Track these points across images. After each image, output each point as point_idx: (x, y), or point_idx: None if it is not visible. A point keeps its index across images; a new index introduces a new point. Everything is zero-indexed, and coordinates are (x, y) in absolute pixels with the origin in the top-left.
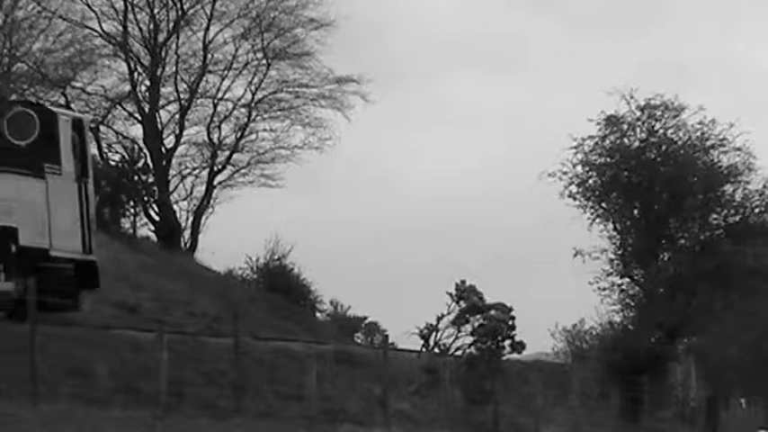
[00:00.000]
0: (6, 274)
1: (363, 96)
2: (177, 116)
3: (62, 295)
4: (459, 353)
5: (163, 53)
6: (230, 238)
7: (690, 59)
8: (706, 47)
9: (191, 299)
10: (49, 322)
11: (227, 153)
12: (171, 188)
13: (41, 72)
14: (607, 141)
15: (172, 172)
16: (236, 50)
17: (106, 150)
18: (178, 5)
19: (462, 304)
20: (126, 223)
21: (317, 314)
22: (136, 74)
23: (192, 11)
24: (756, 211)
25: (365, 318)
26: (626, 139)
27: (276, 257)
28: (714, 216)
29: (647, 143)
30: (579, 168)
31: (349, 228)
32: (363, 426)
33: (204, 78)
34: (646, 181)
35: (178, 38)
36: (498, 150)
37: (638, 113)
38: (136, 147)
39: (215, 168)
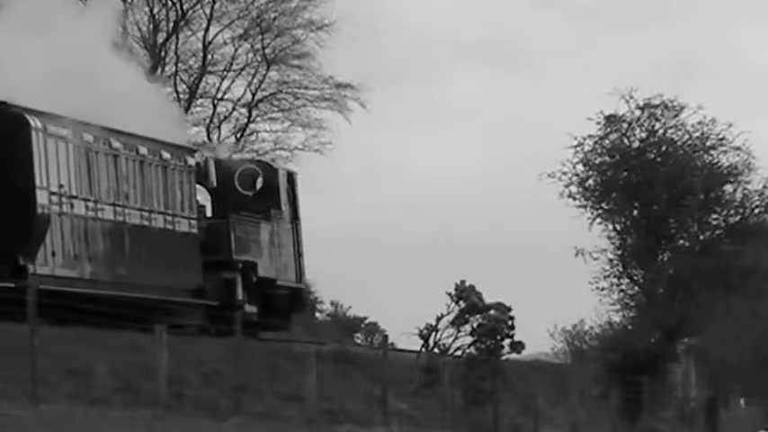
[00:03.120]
0: (250, 299)
1: (362, 104)
2: None
3: (282, 317)
4: (458, 353)
5: (162, 53)
6: None
7: (690, 59)
8: (706, 47)
9: None
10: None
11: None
12: None
13: None
14: (607, 141)
15: None
16: (236, 51)
17: None
18: (177, 6)
19: (462, 304)
20: None
21: (317, 314)
22: None
23: (191, 11)
24: (756, 211)
25: (365, 318)
26: (626, 139)
27: None
28: (714, 216)
29: (646, 143)
30: (579, 168)
31: (349, 227)
32: (363, 426)
33: (204, 79)
34: (646, 181)
35: (177, 38)
36: (498, 150)
37: (638, 113)
38: None
39: None
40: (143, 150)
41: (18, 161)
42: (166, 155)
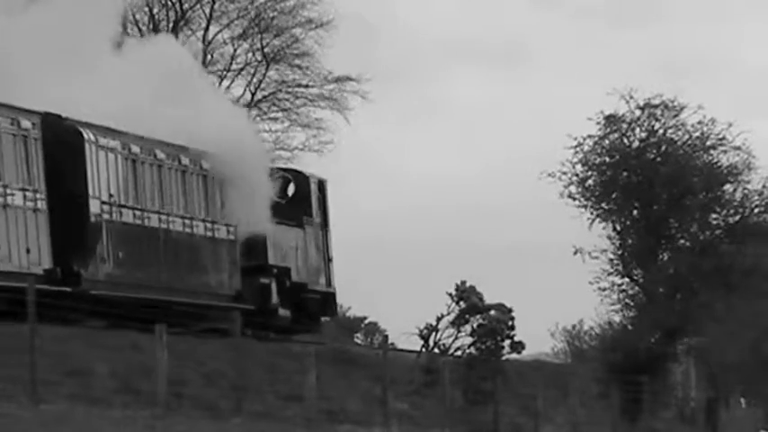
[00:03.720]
0: (283, 303)
1: (363, 95)
2: None
3: (313, 320)
4: (458, 353)
5: None
6: None
7: (691, 58)
8: (707, 46)
9: None
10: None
11: None
12: None
13: None
14: (607, 141)
15: None
16: (236, 51)
17: None
18: (177, 6)
19: (462, 304)
20: None
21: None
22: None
23: (191, 11)
24: (756, 211)
25: (365, 318)
26: (626, 139)
27: None
28: (714, 216)
29: (646, 143)
30: (579, 168)
31: (349, 228)
32: (363, 426)
33: None
34: (646, 181)
35: (177, 38)
36: (498, 150)
37: (638, 113)
38: None
39: None
40: (185, 160)
41: (73, 172)
42: (206, 164)
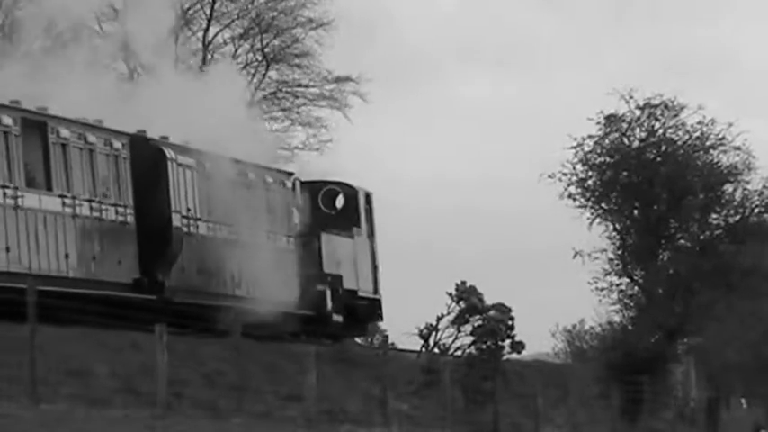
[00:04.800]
0: (336, 309)
1: (362, 96)
2: None
3: (361, 325)
4: (458, 353)
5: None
6: None
7: (691, 58)
8: (707, 45)
9: None
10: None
11: None
12: None
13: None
14: (607, 141)
15: None
16: (236, 51)
17: None
18: (178, 5)
19: (462, 304)
20: None
21: None
22: (136, 74)
23: (191, 11)
24: (756, 211)
25: None
26: (626, 139)
27: None
28: (714, 216)
29: (646, 143)
30: (579, 168)
31: None
32: (363, 426)
33: None
34: (646, 181)
35: (178, 38)
36: (498, 150)
37: (638, 113)
38: None
39: None
40: (251, 176)
41: (156, 188)
42: (269, 179)
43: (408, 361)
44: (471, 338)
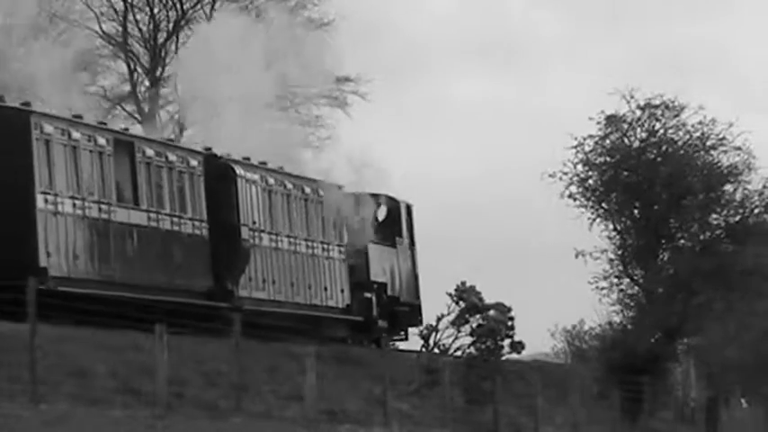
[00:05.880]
0: (381, 315)
1: (362, 96)
2: (177, 116)
3: (403, 330)
4: (458, 353)
5: (163, 53)
6: None
7: (691, 57)
8: (707, 45)
9: None
10: None
11: None
12: None
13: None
14: (607, 141)
15: None
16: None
17: None
18: (178, 5)
19: (462, 304)
20: None
21: None
22: (136, 74)
23: (191, 11)
24: (756, 211)
25: None
26: (626, 139)
27: None
28: (714, 216)
29: (647, 143)
30: (580, 168)
31: None
32: (363, 426)
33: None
34: (646, 181)
35: (178, 38)
36: (498, 149)
37: (639, 113)
38: None
39: None
40: (307, 190)
41: (227, 203)
42: (321, 192)
43: (408, 361)
44: (471, 338)
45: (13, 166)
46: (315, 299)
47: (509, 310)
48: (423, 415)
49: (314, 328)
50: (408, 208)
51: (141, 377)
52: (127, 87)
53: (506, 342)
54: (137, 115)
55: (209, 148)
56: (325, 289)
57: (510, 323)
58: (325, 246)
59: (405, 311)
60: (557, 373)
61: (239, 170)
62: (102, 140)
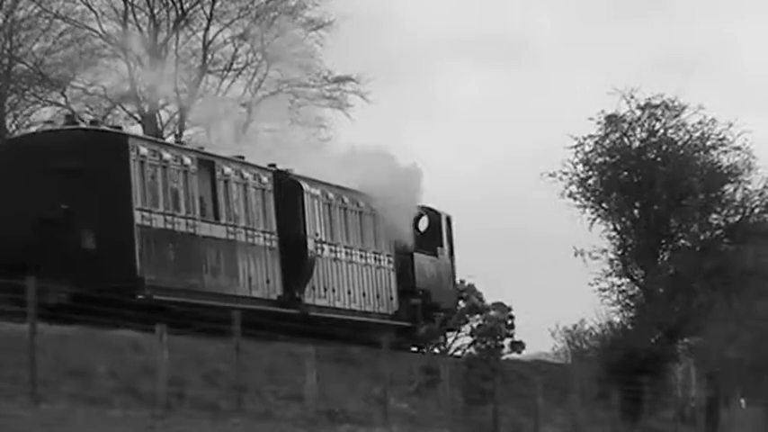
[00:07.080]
0: (425, 320)
1: (363, 96)
2: (177, 116)
3: (443, 334)
4: (458, 353)
5: (163, 53)
6: None
7: (691, 57)
8: (707, 44)
9: None
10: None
11: None
12: None
13: (41, 72)
14: (607, 141)
15: None
16: (236, 50)
17: None
18: (178, 5)
19: (462, 304)
20: None
21: None
22: (136, 74)
23: (191, 11)
24: (756, 211)
25: None
26: (626, 139)
27: None
28: (714, 216)
29: (647, 143)
30: (580, 168)
31: None
32: (363, 426)
33: (204, 78)
34: (646, 181)
35: (178, 38)
36: (498, 149)
37: (639, 113)
38: None
39: None
40: (362, 204)
41: (294, 216)
42: (375, 206)
43: (408, 361)
44: (471, 338)
45: (114, 185)
46: (368, 306)
47: (509, 309)
48: (423, 415)
49: (365, 332)
50: (448, 219)
51: (141, 377)
52: (127, 87)
53: (506, 342)
54: (137, 115)
55: (274, 165)
56: (378, 296)
57: (510, 323)
58: (377, 255)
59: (444, 318)
60: (557, 373)
61: (305, 186)
62: (187, 160)
